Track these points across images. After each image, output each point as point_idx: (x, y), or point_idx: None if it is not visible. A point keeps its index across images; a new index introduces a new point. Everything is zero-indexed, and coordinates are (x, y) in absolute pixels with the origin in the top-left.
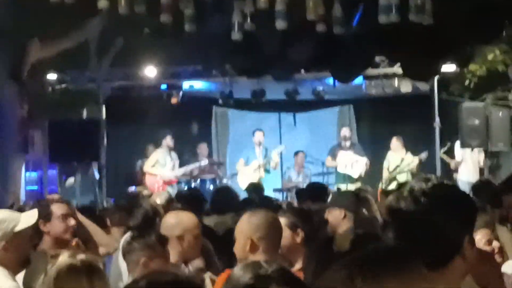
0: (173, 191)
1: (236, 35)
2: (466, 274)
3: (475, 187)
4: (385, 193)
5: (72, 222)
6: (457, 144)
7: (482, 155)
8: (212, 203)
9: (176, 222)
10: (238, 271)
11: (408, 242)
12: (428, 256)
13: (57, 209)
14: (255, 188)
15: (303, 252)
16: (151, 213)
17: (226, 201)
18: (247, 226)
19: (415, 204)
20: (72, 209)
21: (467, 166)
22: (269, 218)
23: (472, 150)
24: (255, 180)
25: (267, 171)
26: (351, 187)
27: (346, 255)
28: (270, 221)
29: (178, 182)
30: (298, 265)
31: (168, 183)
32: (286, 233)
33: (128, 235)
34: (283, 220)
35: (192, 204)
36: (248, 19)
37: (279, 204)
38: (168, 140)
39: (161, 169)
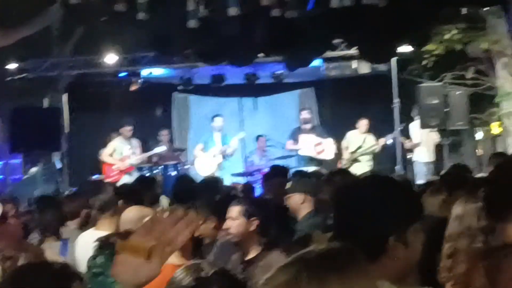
0: (130, 178)
1: (191, 23)
2: (399, 274)
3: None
4: None
5: (21, 219)
6: (412, 124)
7: (437, 134)
8: (173, 192)
9: (138, 218)
10: (180, 273)
11: (341, 235)
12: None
13: (10, 209)
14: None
15: (258, 241)
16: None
17: (185, 190)
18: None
19: (346, 198)
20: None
21: (423, 146)
22: (134, 215)
23: (431, 130)
24: (213, 166)
25: (224, 157)
26: (312, 169)
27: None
28: (135, 218)
29: (140, 169)
30: (252, 253)
31: (125, 171)
32: (241, 221)
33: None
34: (237, 208)
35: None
36: (202, 6)
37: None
38: (125, 130)
39: (118, 157)
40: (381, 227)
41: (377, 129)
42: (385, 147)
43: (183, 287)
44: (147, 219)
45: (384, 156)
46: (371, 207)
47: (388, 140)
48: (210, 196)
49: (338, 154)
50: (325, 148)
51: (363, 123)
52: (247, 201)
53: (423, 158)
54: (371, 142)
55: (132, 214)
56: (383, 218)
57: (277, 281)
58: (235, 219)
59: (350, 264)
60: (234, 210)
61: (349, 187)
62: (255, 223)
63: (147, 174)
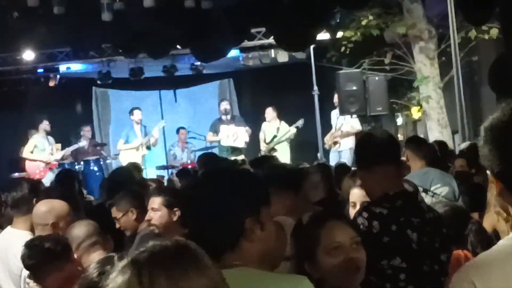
0: (54, 175)
1: (106, 16)
2: (262, 256)
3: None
4: None
5: None
6: (333, 112)
7: (356, 120)
8: (107, 184)
9: (48, 210)
10: (92, 268)
11: (196, 227)
12: (212, 241)
13: None
14: (135, 168)
15: (180, 231)
16: None
17: (118, 182)
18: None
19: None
20: None
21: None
22: (43, 208)
23: (351, 116)
24: (138, 158)
25: (148, 148)
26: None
27: None
28: (43, 211)
29: (61, 165)
30: None
31: (49, 167)
32: (163, 212)
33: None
34: (159, 199)
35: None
36: None
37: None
38: (45, 125)
39: (40, 154)
40: (232, 212)
41: (297, 118)
42: (299, 132)
43: (88, 280)
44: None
45: (305, 144)
46: (218, 197)
47: (299, 124)
48: (130, 187)
49: (256, 145)
50: (238, 136)
51: (268, 111)
52: (168, 191)
53: (348, 144)
54: (285, 130)
55: (41, 207)
56: (232, 205)
57: (115, 284)
58: (157, 210)
59: (180, 260)
60: (156, 201)
61: (194, 183)
62: (177, 214)
63: None
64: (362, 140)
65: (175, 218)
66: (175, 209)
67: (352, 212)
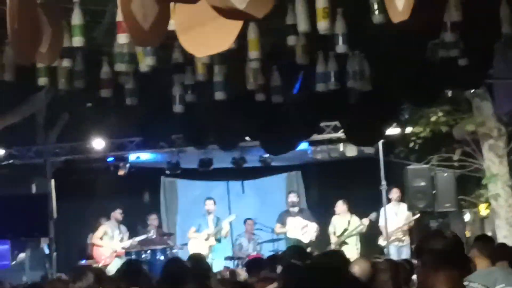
0: (121, 262)
1: (177, 108)
2: None
3: None
4: None
5: None
6: (388, 207)
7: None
8: (162, 275)
9: None
10: None
11: None
12: None
13: None
14: (197, 260)
15: None
16: None
17: (175, 273)
18: None
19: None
20: None
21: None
22: None
23: (419, 212)
24: (206, 248)
25: (218, 240)
26: None
27: None
28: None
29: (128, 254)
30: None
31: (116, 255)
32: None
33: None
34: None
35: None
36: (189, 91)
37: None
38: (117, 213)
39: (109, 241)
40: None
41: (364, 212)
42: (371, 227)
43: None
44: None
45: (372, 238)
46: None
47: (372, 217)
48: (201, 279)
49: (324, 239)
50: (308, 230)
51: (339, 204)
52: (231, 284)
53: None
54: (355, 224)
55: None
56: None
57: None
58: None
59: None
60: None
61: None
62: None
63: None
64: (428, 240)
65: None
66: None
67: None
